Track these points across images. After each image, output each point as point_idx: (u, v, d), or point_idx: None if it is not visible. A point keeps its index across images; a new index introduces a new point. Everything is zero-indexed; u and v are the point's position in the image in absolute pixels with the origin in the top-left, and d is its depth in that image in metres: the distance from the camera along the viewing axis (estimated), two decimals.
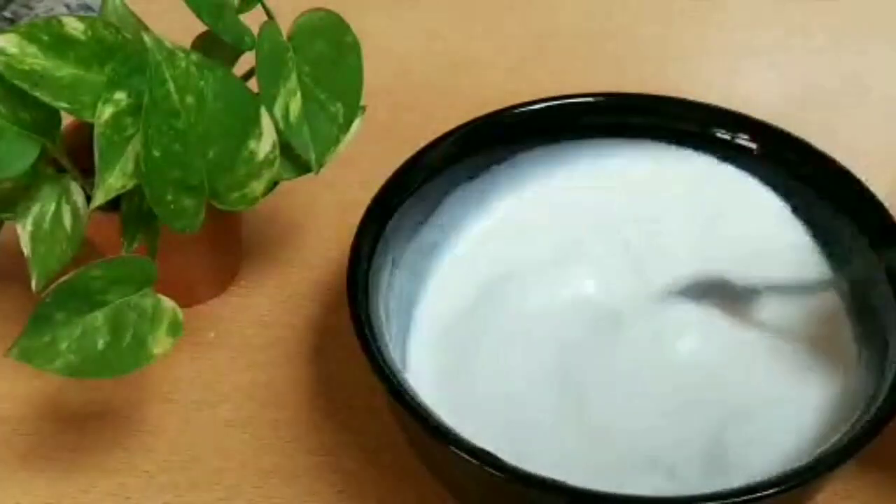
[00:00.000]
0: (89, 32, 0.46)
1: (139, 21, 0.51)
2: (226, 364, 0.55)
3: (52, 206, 0.48)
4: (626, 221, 0.54)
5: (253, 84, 0.48)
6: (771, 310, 0.50)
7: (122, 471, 0.50)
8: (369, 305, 0.46)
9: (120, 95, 0.45)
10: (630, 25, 0.75)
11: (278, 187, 0.50)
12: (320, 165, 0.50)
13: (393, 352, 0.46)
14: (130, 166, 0.45)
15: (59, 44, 0.45)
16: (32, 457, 0.51)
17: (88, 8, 0.77)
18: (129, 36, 0.47)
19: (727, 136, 0.53)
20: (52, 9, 0.77)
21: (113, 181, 0.45)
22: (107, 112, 0.45)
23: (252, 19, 0.50)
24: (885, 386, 0.43)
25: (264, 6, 0.51)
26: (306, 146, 0.49)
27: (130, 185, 0.45)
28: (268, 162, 0.48)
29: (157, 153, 0.44)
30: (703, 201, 0.53)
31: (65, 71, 0.45)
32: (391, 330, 0.48)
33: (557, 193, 0.55)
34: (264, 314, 0.57)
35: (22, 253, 0.48)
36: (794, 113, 0.66)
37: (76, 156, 0.49)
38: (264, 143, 0.47)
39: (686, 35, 0.74)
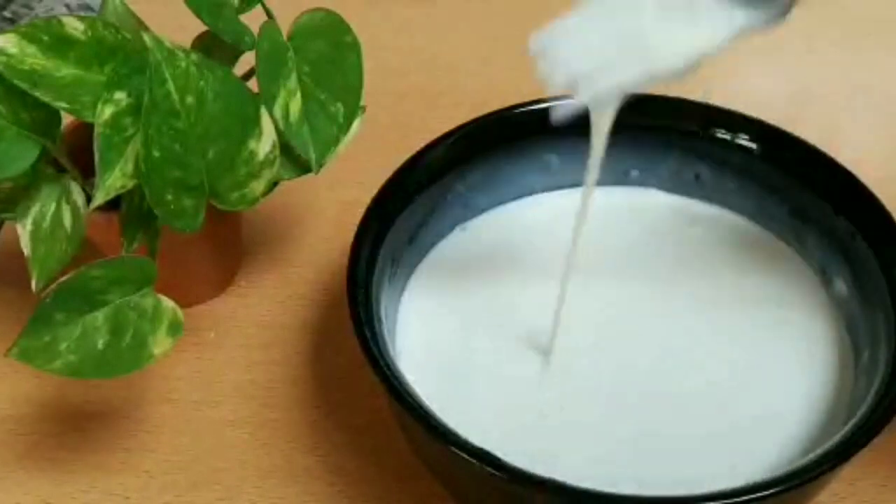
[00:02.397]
0: (89, 32, 0.46)
1: (139, 21, 0.51)
2: (226, 364, 0.55)
3: (52, 206, 0.48)
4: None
5: (253, 84, 0.48)
6: (771, 309, 0.51)
7: (122, 471, 0.50)
8: (369, 305, 0.46)
9: (120, 95, 0.45)
10: None
11: (278, 187, 0.50)
12: (320, 165, 0.50)
13: (392, 351, 0.46)
14: (130, 166, 0.45)
15: (59, 44, 0.45)
16: (32, 457, 0.51)
17: (88, 8, 0.77)
18: (129, 36, 0.47)
19: (727, 136, 0.53)
20: (52, 9, 0.77)
21: (113, 181, 0.45)
22: (107, 112, 0.45)
23: (252, 19, 0.50)
24: (883, 386, 0.43)
25: (264, 6, 0.51)
26: (306, 146, 0.49)
27: (130, 185, 0.45)
28: (268, 162, 0.48)
29: (157, 153, 0.44)
30: None
31: (65, 71, 0.45)
32: (391, 329, 0.48)
33: (557, 194, 0.55)
34: (264, 314, 0.57)
35: (22, 253, 0.48)
36: (794, 113, 0.66)
37: (76, 156, 0.49)
38: (264, 143, 0.47)
39: None
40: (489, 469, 0.40)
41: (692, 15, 0.37)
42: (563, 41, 0.39)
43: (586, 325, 0.50)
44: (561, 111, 0.40)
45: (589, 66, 0.38)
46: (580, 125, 0.54)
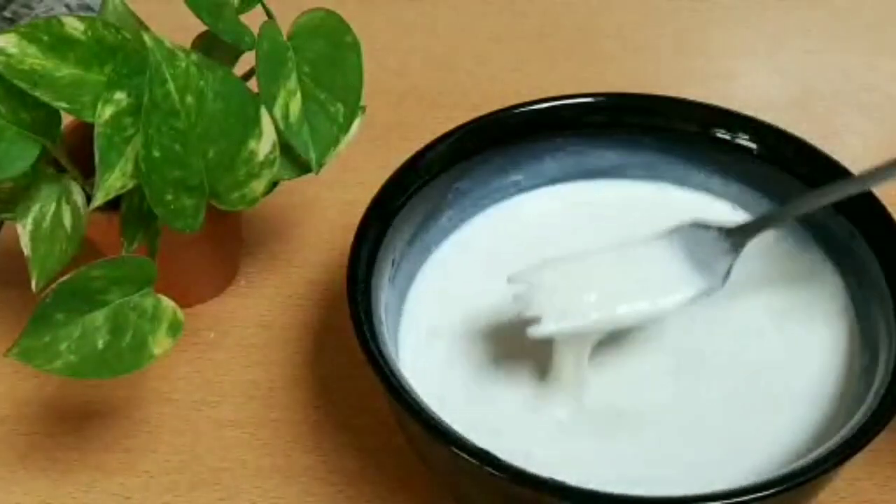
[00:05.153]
0: (89, 32, 0.46)
1: (139, 21, 0.51)
2: (226, 364, 0.55)
3: (52, 206, 0.48)
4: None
5: (253, 84, 0.48)
6: (771, 309, 0.51)
7: (122, 471, 0.50)
8: (369, 305, 0.46)
9: (120, 95, 0.45)
10: (629, 25, 0.75)
11: (278, 187, 0.50)
12: (320, 165, 0.50)
13: (392, 351, 0.46)
14: (130, 166, 0.45)
15: (59, 44, 0.45)
16: (32, 457, 0.51)
17: (88, 8, 0.77)
18: (129, 36, 0.47)
19: (727, 136, 0.53)
20: (52, 9, 0.77)
21: (113, 181, 0.45)
22: (107, 112, 0.45)
23: (252, 19, 0.50)
24: (883, 385, 0.43)
25: (264, 6, 0.51)
26: (306, 146, 0.49)
27: (130, 185, 0.45)
28: (268, 162, 0.48)
29: (157, 153, 0.44)
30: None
31: (65, 71, 0.45)
32: (391, 329, 0.48)
33: (556, 194, 0.55)
34: (264, 314, 0.57)
35: (22, 253, 0.48)
36: (794, 113, 0.66)
37: (76, 156, 0.49)
38: (264, 143, 0.47)
39: (686, 35, 0.74)
40: (489, 469, 0.40)
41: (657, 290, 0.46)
42: (549, 279, 0.46)
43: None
44: (536, 333, 0.45)
45: (570, 305, 0.46)
46: (579, 126, 0.54)
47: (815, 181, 0.51)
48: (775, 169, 0.52)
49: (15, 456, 0.51)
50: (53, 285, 0.44)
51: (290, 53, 0.49)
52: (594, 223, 0.54)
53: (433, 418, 0.42)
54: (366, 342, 0.44)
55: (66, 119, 0.48)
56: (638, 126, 0.54)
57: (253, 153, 0.47)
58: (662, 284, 0.47)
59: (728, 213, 0.54)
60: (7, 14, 0.77)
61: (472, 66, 0.71)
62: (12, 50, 0.45)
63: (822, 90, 0.69)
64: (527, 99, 0.54)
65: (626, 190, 0.55)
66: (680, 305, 0.46)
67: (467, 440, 0.41)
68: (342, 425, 0.52)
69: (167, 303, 0.47)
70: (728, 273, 0.47)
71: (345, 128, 0.50)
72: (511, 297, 0.47)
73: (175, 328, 0.47)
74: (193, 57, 0.45)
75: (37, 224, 0.48)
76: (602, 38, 0.74)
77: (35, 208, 0.48)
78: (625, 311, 0.46)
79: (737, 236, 0.48)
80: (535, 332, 0.45)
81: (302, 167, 0.51)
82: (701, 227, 0.48)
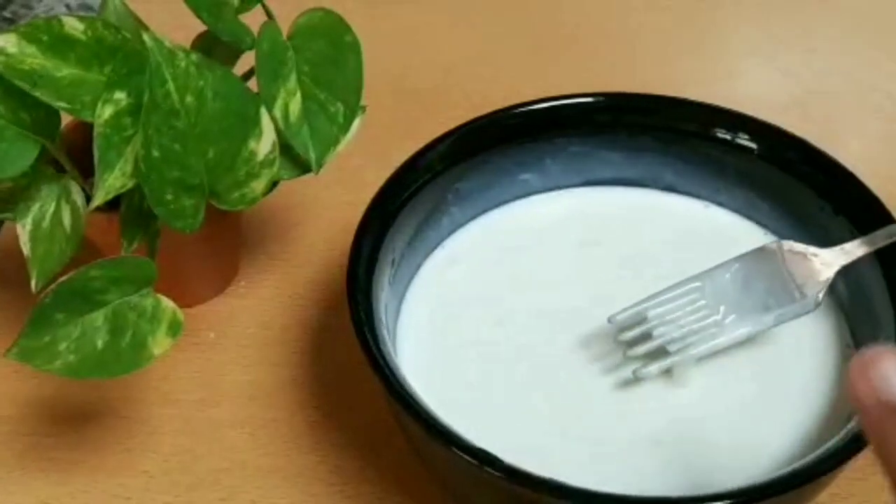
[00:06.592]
0: (89, 32, 0.46)
1: (139, 21, 0.51)
2: (226, 364, 0.55)
3: (52, 206, 0.48)
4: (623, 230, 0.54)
5: (253, 84, 0.48)
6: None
7: (122, 471, 0.50)
8: (369, 305, 0.46)
9: (120, 95, 0.45)
10: (630, 25, 0.75)
11: (278, 187, 0.50)
12: (320, 165, 0.50)
13: (392, 351, 0.46)
14: (130, 166, 0.45)
15: (59, 44, 0.45)
16: (32, 457, 0.51)
17: (88, 8, 0.77)
18: (129, 36, 0.47)
19: (727, 136, 0.53)
20: (52, 9, 0.77)
21: (113, 181, 0.45)
22: (107, 112, 0.45)
23: (252, 19, 0.50)
24: None
25: (264, 6, 0.51)
26: (306, 146, 0.49)
27: (130, 185, 0.45)
28: (268, 162, 0.48)
29: (156, 153, 0.44)
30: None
31: (65, 71, 0.45)
32: (391, 330, 0.48)
33: (557, 194, 0.55)
34: (264, 314, 0.57)
35: (22, 253, 0.48)
36: (794, 113, 0.66)
37: (76, 156, 0.49)
38: (264, 143, 0.47)
39: (686, 35, 0.74)
40: (489, 469, 0.40)
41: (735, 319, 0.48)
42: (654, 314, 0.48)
43: (581, 329, 0.50)
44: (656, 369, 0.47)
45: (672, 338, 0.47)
46: (580, 127, 0.54)
47: (816, 181, 0.51)
48: (775, 169, 0.52)
49: (14, 456, 0.51)
50: (53, 285, 0.44)
51: (290, 53, 0.49)
52: (594, 226, 0.54)
53: (433, 418, 0.42)
54: (366, 342, 0.44)
55: (66, 119, 0.48)
56: (638, 126, 0.54)
57: (253, 153, 0.47)
58: (761, 305, 0.48)
59: (724, 214, 0.54)
60: (7, 14, 0.77)
61: (472, 66, 0.71)
62: (12, 50, 0.45)
63: (823, 90, 0.69)
64: (527, 99, 0.54)
65: (626, 191, 0.55)
66: (772, 326, 0.48)
67: (467, 440, 0.41)
68: (342, 425, 0.52)
69: (167, 303, 0.47)
70: (821, 296, 0.48)
71: (345, 128, 0.50)
72: (617, 340, 0.48)
73: (175, 328, 0.47)
74: (193, 57, 0.45)
75: (36, 224, 0.48)
76: (602, 38, 0.74)
77: (35, 208, 0.48)
78: (726, 340, 0.48)
79: (827, 259, 0.48)
80: (655, 368, 0.47)
81: (302, 167, 0.51)
82: (790, 249, 0.48)
